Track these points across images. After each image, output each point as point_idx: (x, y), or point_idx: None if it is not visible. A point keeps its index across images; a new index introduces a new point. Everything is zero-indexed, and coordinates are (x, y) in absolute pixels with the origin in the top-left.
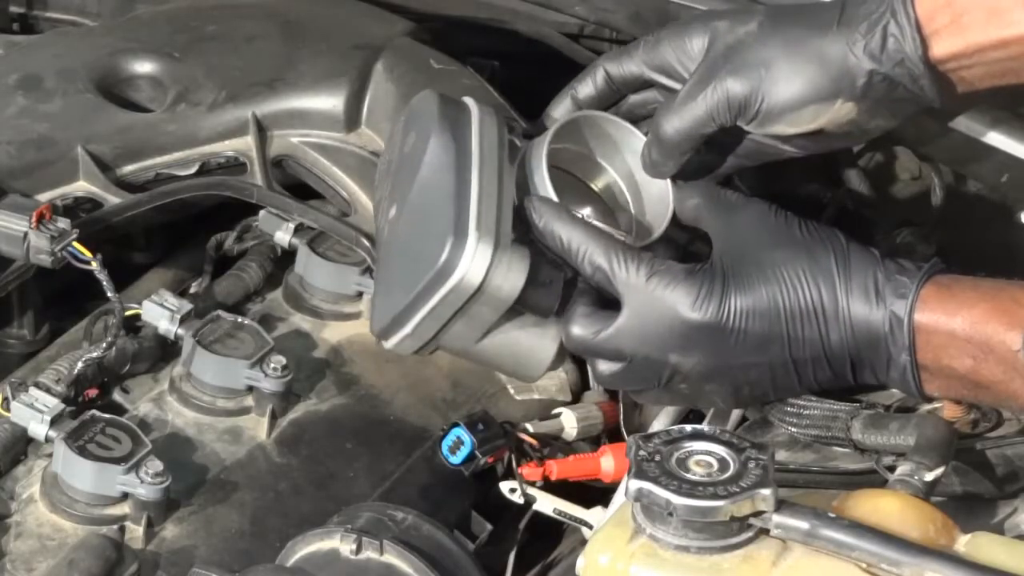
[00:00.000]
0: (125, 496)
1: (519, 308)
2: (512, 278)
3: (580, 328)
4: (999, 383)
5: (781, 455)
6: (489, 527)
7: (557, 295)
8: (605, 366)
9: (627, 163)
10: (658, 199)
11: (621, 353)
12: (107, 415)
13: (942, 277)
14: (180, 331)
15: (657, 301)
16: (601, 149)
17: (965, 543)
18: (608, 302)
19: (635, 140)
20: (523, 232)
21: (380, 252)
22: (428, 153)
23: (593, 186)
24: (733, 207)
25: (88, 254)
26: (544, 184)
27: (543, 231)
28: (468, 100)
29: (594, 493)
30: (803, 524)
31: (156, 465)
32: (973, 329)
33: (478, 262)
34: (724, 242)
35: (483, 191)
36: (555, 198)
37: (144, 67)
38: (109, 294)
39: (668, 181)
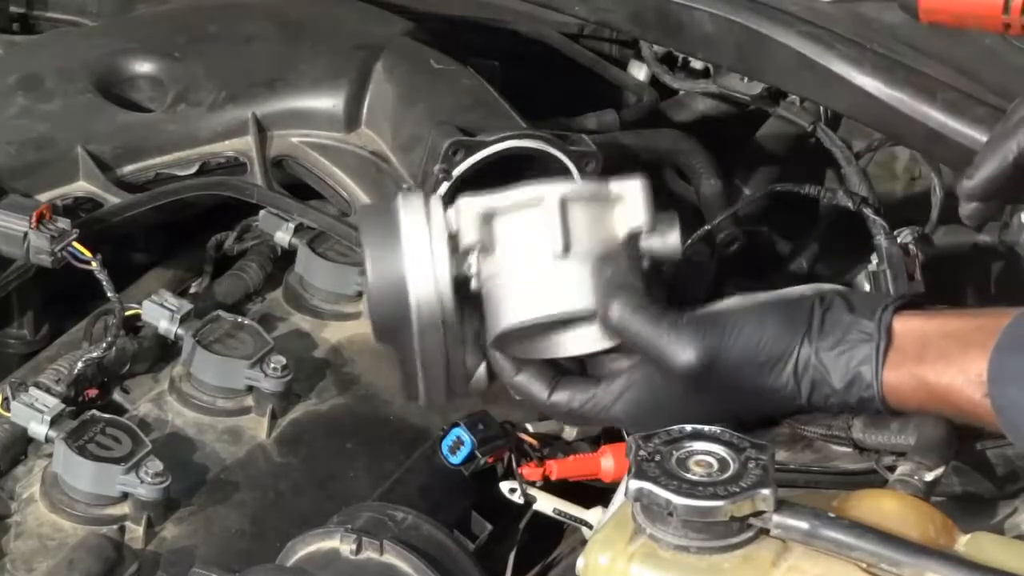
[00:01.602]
0: (125, 496)
1: None
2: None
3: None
4: (983, 426)
5: (781, 455)
6: (489, 527)
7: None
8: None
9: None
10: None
11: (618, 420)
12: (107, 415)
13: (907, 333)
14: (180, 331)
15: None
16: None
17: (965, 543)
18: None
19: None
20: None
21: None
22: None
23: None
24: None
25: (88, 254)
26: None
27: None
28: (401, 216)
29: (594, 493)
30: (803, 524)
31: (156, 465)
32: (944, 399)
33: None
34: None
35: (426, 359)
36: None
37: (144, 67)
38: (109, 294)
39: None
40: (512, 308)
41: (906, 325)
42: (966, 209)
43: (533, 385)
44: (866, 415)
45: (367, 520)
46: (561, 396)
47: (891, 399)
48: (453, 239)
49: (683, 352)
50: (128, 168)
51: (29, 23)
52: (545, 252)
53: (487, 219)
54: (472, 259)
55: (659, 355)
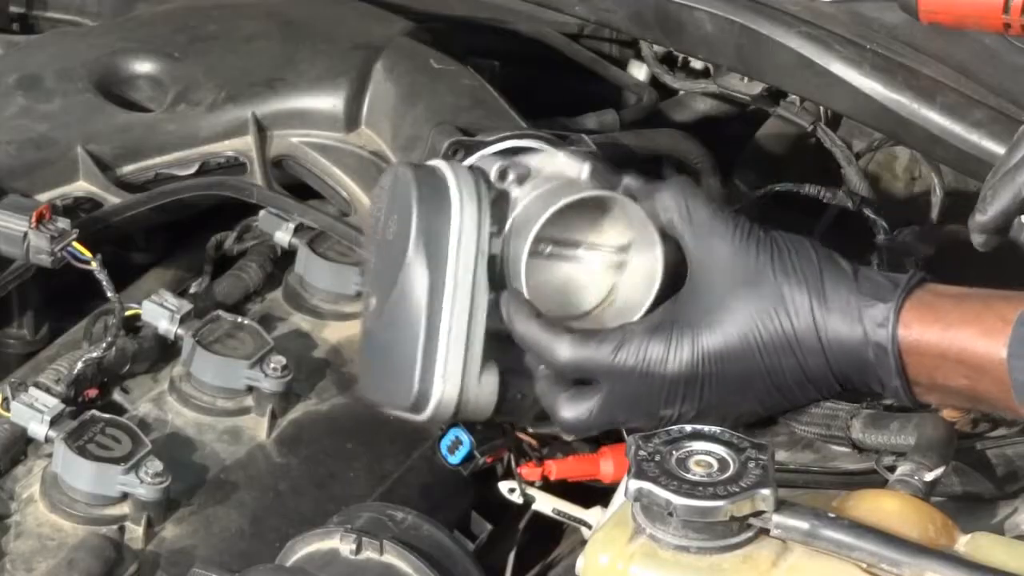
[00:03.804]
0: (125, 496)
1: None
2: (482, 408)
3: (570, 412)
4: (997, 398)
5: (781, 455)
6: (489, 527)
7: (530, 403)
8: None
9: (619, 239)
10: (645, 277)
11: (615, 422)
12: (107, 415)
13: (924, 293)
14: (180, 331)
15: (629, 373)
16: (591, 226)
17: (965, 543)
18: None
19: (634, 214)
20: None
21: (362, 339)
22: (403, 272)
23: (579, 256)
24: (705, 228)
25: (88, 254)
26: (519, 279)
27: (512, 330)
28: (448, 178)
29: (594, 493)
30: (803, 524)
31: (156, 465)
32: (963, 353)
33: (444, 408)
34: (694, 269)
35: (454, 325)
36: (526, 293)
37: (144, 67)
38: (109, 294)
39: (659, 262)
40: (539, 208)
41: (924, 289)
42: (978, 239)
43: (545, 329)
44: (871, 384)
45: (367, 520)
46: (565, 340)
47: (906, 353)
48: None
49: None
50: (128, 168)
51: (29, 23)
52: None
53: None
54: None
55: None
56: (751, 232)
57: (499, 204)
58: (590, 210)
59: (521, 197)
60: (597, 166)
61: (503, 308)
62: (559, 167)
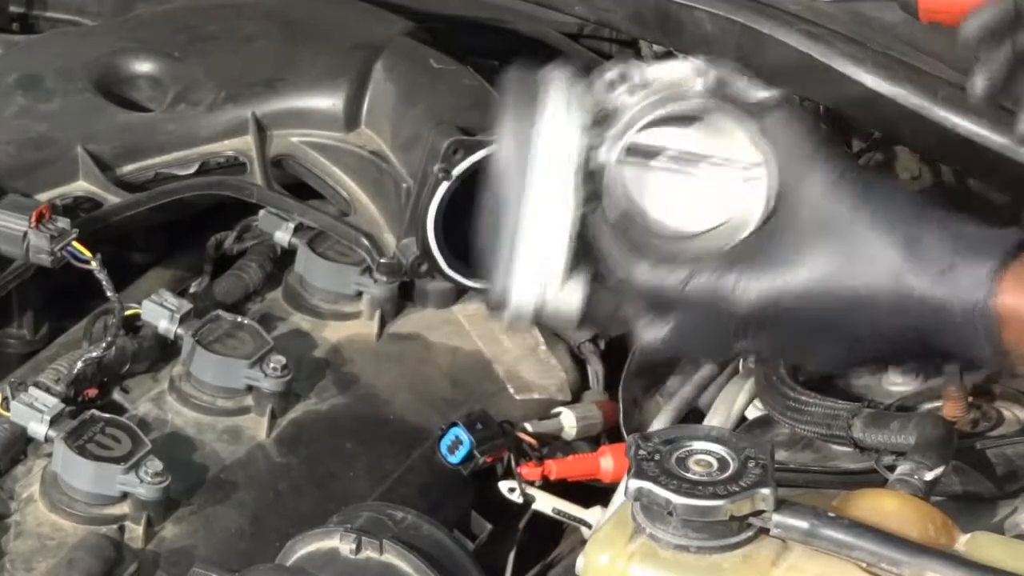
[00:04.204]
0: (125, 496)
1: None
2: (563, 315)
3: (646, 335)
4: None
5: (781, 455)
6: (489, 527)
7: (616, 318)
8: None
9: (735, 156)
10: (756, 200)
11: (688, 350)
12: (107, 415)
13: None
14: (180, 331)
15: (698, 305)
16: (708, 140)
17: (965, 543)
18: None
19: (748, 131)
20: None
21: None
22: (499, 174)
23: (693, 172)
24: (802, 162)
25: (88, 254)
26: (612, 193)
27: (595, 246)
28: (545, 85)
29: (594, 493)
30: (803, 524)
31: (156, 465)
32: None
33: (522, 309)
34: (781, 204)
35: (540, 230)
36: (617, 207)
37: (144, 67)
38: (109, 294)
39: (770, 186)
40: (640, 117)
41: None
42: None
43: (624, 250)
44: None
45: (367, 520)
46: (641, 265)
47: (1003, 320)
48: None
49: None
50: (128, 168)
51: (29, 23)
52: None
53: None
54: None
55: None
56: (846, 173)
57: (605, 113)
58: (708, 124)
59: (629, 107)
60: (721, 79)
61: (593, 221)
62: (675, 77)
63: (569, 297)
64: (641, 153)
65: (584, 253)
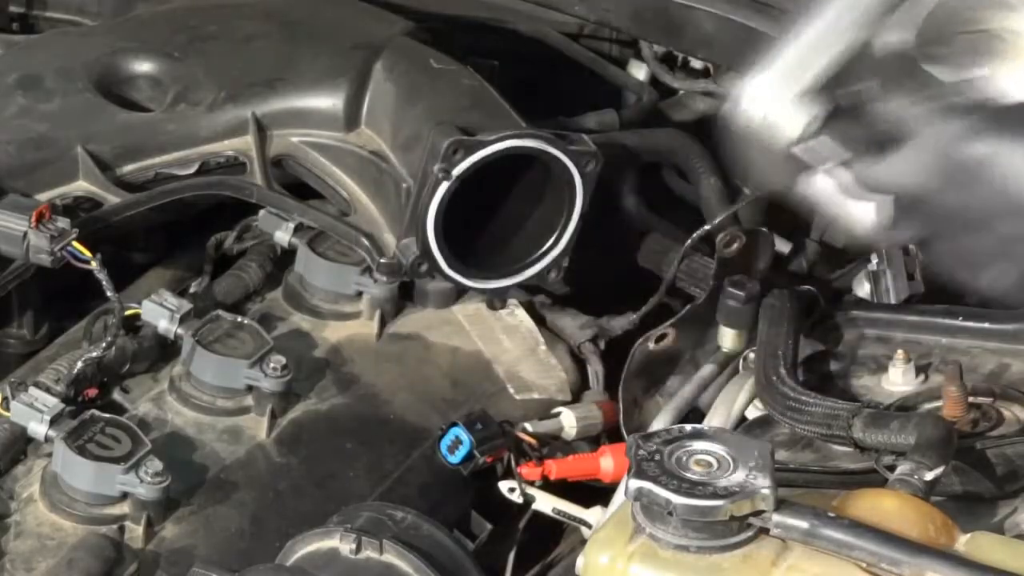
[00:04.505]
0: (125, 496)
1: None
2: (778, 131)
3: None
4: None
5: (781, 455)
6: (489, 527)
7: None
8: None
9: None
10: None
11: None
12: (107, 415)
13: None
14: (180, 331)
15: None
16: None
17: (965, 543)
18: None
19: None
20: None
21: None
22: None
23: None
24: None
25: (88, 254)
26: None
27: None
28: None
29: (594, 493)
30: (803, 523)
31: (156, 465)
32: None
33: (760, 98)
34: None
35: (808, 37)
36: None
37: (144, 67)
38: (109, 294)
39: None
40: None
41: None
42: None
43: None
44: None
45: (366, 520)
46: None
47: None
48: None
49: None
50: (128, 168)
51: (29, 23)
52: None
53: None
54: None
55: None
56: None
57: None
58: None
59: None
60: None
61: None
62: None
63: (796, 115)
64: None
65: (838, 84)
